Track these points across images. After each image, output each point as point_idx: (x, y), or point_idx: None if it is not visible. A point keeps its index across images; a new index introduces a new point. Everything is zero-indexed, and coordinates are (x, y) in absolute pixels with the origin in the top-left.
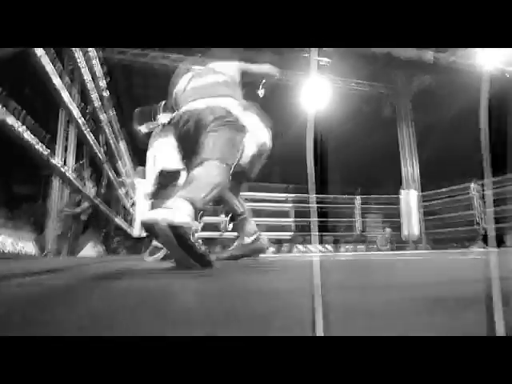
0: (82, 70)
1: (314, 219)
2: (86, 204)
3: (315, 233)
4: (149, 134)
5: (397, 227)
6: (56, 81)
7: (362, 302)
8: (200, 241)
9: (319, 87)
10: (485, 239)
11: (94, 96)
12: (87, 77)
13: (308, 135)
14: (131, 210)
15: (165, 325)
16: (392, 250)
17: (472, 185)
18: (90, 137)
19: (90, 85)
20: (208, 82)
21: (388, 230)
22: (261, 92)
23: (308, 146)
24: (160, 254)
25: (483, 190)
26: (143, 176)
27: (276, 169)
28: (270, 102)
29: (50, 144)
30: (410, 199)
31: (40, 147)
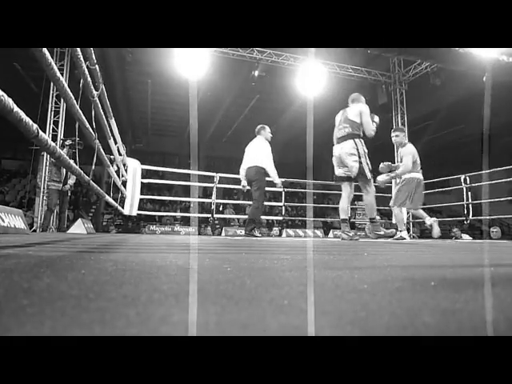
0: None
1: (310, 204)
2: (72, 180)
3: (310, 218)
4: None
5: (386, 215)
6: (47, 55)
7: (348, 280)
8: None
9: (316, 72)
10: (471, 230)
11: (85, 70)
12: (78, 51)
13: (308, 120)
14: (122, 187)
15: (152, 294)
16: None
17: (463, 177)
18: (80, 112)
19: (80, 58)
20: None
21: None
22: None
23: (308, 131)
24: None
25: (471, 183)
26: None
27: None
28: (267, 86)
29: (40, 118)
30: None
31: (29, 121)
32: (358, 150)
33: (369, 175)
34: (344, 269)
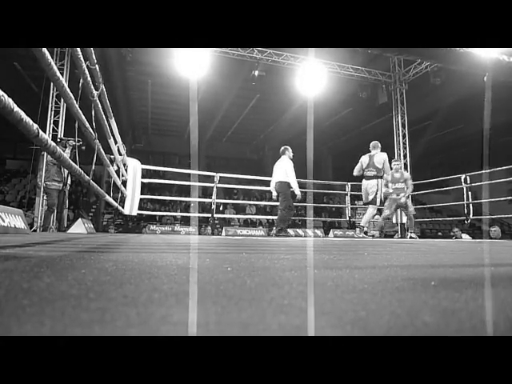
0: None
1: (310, 204)
2: (69, 180)
3: (310, 218)
4: None
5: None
6: (47, 55)
7: (348, 279)
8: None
9: (316, 71)
10: (472, 230)
11: (85, 69)
12: (78, 51)
13: (308, 120)
14: (122, 187)
15: (153, 293)
16: (380, 236)
17: (463, 176)
18: (80, 112)
19: (80, 58)
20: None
21: (377, 217)
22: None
23: (309, 131)
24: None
25: (471, 182)
26: None
27: (269, 153)
28: (267, 85)
29: (41, 118)
30: None
31: (29, 121)
32: (377, 186)
33: (377, 203)
34: (344, 268)
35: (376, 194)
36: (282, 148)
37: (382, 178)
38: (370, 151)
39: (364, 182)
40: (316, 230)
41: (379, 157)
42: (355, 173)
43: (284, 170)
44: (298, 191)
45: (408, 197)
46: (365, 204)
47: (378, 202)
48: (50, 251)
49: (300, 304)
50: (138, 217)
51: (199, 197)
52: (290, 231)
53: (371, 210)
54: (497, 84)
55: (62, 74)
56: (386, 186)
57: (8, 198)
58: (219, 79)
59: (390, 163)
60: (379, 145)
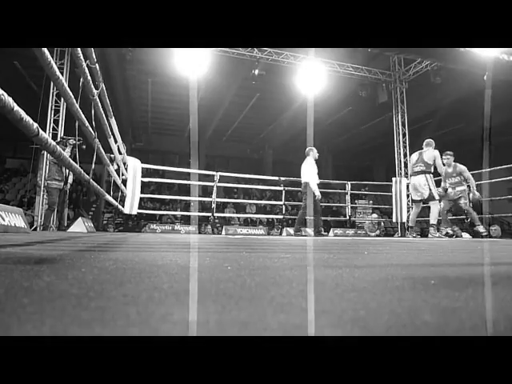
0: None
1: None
2: (70, 177)
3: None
4: None
5: (387, 214)
6: (47, 54)
7: (348, 278)
8: None
9: (316, 70)
10: (471, 228)
11: (85, 68)
12: (78, 50)
13: (308, 119)
14: (122, 186)
15: (153, 292)
16: (380, 235)
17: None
18: (80, 111)
19: (80, 57)
20: None
21: (374, 215)
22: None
23: (309, 130)
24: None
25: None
26: None
27: (269, 151)
28: (267, 84)
29: (41, 117)
30: (400, 187)
31: (29, 120)
32: (427, 181)
33: (436, 197)
34: (344, 267)
35: (430, 188)
36: (307, 149)
37: (431, 173)
38: (369, 150)
39: (412, 178)
40: None
41: (430, 153)
42: (409, 171)
43: (306, 171)
44: (317, 192)
45: (468, 192)
46: (414, 201)
47: (436, 196)
48: (50, 250)
49: (300, 303)
50: (137, 216)
51: (199, 196)
52: (290, 230)
53: (435, 206)
54: (497, 83)
55: (61, 73)
56: (445, 181)
57: (8, 197)
58: (219, 78)
59: (441, 158)
60: (432, 143)
